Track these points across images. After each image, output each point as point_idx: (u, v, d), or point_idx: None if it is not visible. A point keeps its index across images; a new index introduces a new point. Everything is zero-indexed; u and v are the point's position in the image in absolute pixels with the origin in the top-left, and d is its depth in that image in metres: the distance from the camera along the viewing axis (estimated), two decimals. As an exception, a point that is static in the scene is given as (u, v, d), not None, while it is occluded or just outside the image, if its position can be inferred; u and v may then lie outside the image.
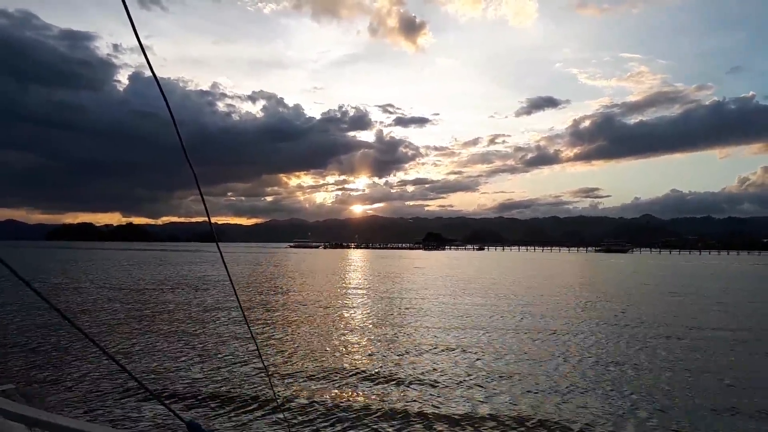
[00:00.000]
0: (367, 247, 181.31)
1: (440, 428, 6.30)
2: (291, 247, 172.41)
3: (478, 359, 9.67)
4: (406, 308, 16.91)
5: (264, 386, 7.79)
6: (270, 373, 8.63)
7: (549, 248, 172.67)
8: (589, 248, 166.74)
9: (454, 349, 10.51)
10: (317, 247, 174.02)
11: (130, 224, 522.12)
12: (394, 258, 75.97)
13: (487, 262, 65.30)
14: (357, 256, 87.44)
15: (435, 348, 10.66)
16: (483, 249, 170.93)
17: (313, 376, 8.47)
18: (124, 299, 18.64)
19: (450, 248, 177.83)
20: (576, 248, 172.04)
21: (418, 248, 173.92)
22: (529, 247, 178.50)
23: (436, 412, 6.86)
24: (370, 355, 10.15)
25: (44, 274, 30.83)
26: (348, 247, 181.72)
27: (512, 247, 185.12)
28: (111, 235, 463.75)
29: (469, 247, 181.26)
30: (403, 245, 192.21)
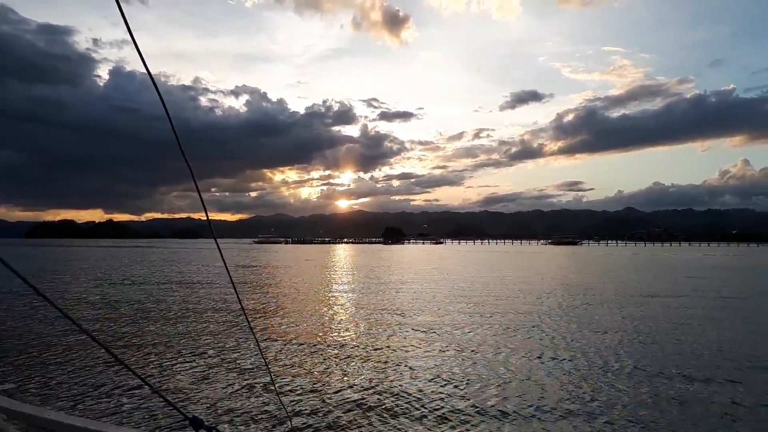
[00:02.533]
0: (333, 243, 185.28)
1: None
2: (255, 242, 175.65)
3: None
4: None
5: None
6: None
7: (503, 241, 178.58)
8: (541, 241, 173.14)
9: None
10: (280, 242, 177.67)
11: (110, 221, 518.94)
12: (325, 252, 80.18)
13: (416, 255, 69.76)
14: (303, 252, 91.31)
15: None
16: (441, 243, 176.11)
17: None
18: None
19: (409, 242, 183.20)
20: (527, 241, 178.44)
21: (380, 242, 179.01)
22: (484, 241, 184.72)
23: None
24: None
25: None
26: (312, 242, 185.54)
27: (469, 241, 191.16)
28: (91, 232, 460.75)
29: (426, 241, 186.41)
30: (365, 239, 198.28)
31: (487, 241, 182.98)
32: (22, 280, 1.35)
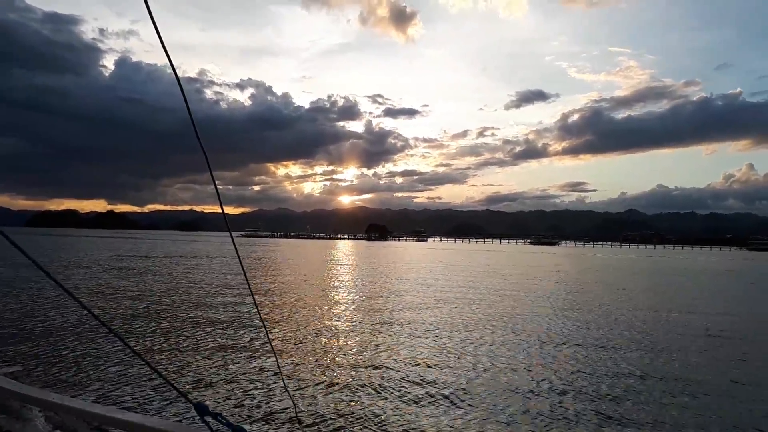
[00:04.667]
0: (319, 238, 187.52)
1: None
2: (242, 236, 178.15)
3: None
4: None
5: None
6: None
7: (484, 240, 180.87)
8: (519, 240, 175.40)
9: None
10: (263, 236, 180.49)
11: (111, 212, 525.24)
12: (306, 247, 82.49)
13: (381, 251, 72.04)
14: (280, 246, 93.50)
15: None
16: (424, 240, 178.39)
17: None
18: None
19: (392, 239, 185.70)
20: (508, 240, 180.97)
21: (364, 239, 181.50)
22: (466, 239, 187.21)
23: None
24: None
25: None
26: (298, 237, 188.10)
27: (451, 239, 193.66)
28: (92, 222, 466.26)
29: (409, 238, 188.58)
30: (349, 236, 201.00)
31: (468, 240, 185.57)
32: (31, 261, 1.31)
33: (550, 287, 22.96)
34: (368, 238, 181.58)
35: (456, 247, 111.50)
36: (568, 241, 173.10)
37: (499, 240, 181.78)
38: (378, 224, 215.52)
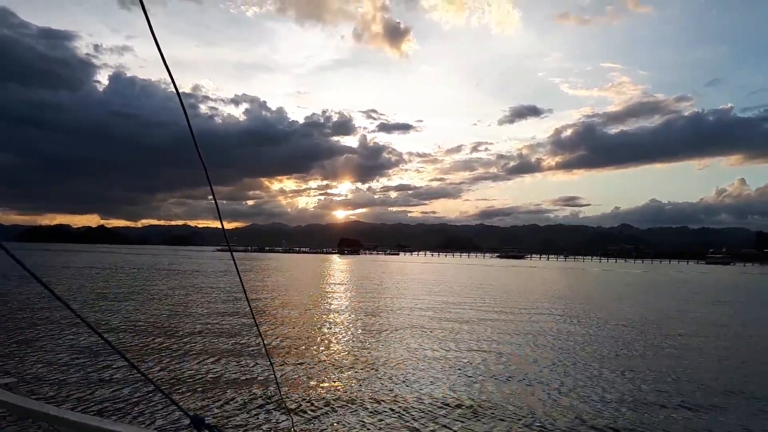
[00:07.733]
0: (296, 252, 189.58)
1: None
2: (217, 250, 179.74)
3: None
4: None
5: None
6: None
7: (452, 254, 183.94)
8: (487, 254, 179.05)
9: None
10: (243, 251, 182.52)
11: (102, 227, 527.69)
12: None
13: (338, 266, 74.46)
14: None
15: None
16: (398, 254, 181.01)
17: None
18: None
19: (365, 253, 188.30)
20: (482, 254, 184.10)
21: (335, 253, 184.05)
22: (443, 253, 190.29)
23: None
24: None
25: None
26: (273, 251, 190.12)
27: (429, 252, 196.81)
28: (83, 237, 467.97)
29: (381, 252, 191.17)
30: (330, 250, 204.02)
31: (439, 254, 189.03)
32: (27, 272, 1.34)
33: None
34: (340, 253, 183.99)
35: (422, 260, 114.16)
36: (533, 255, 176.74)
37: (467, 254, 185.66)
38: (350, 239, 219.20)
